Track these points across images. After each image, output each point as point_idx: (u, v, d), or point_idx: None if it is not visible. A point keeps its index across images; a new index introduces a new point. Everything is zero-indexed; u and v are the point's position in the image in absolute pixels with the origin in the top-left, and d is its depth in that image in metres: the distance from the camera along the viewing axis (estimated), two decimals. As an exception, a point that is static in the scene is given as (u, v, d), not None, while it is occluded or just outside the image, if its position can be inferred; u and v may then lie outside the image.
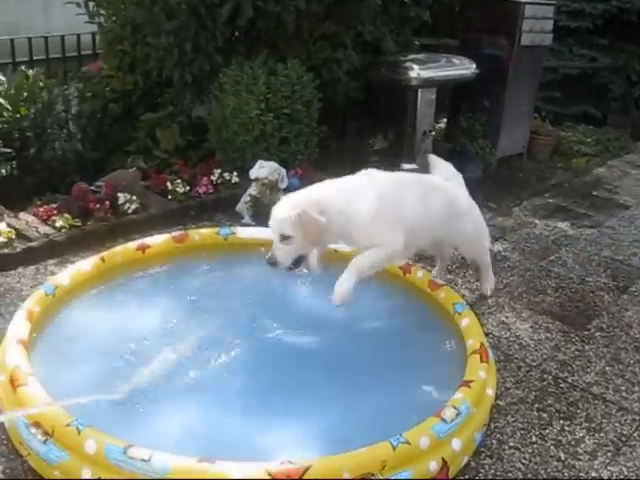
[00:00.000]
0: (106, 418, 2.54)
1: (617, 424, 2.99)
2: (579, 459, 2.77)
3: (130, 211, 4.55)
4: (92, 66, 6.39)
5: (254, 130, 5.12)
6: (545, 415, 3.02)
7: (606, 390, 3.24)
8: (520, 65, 6.26)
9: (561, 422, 2.98)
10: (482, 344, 3.01)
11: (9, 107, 5.04)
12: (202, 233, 4.10)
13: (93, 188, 4.68)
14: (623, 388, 3.26)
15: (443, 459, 2.46)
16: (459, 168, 3.72)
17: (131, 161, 5.46)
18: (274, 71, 5.20)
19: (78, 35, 7.31)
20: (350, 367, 3.08)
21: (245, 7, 5.05)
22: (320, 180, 3.22)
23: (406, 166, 5.63)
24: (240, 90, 5.13)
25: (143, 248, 3.80)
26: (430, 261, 4.20)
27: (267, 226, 3.08)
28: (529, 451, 2.78)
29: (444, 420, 2.50)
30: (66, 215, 4.30)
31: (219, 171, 5.15)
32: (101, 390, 2.69)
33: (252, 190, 4.75)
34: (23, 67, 5.80)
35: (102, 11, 5.79)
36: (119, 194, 4.58)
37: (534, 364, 3.40)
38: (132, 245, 3.82)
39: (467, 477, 2.62)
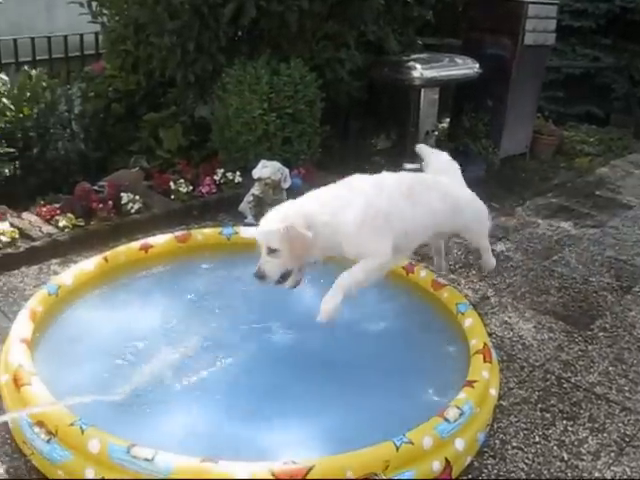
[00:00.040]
0: (109, 418, 2.55)
1: (620, 424, 2.99)
2: (582, 459, 2.76)
3: (133, 211, 4.56)
4: (95, 66, 6.39)
5: (257, 130, 5.13)
6: (548, 415, 3.01)
7: (609, 390, 3.23)
8: (523, 65, 6.26)
9: (564, 422, 2.98)
10: (485, 344, 3.01)
11: (12, 107, 5.04)
12: (205, 233, 4.10)
13: (96, 188, 4.70)
14: (626, 388, 3.26)
15: (446, 459, 2.47)
16: (462, 168, 3.69)
17: (134, 161, 5.47)
18: (277, 71, 5.20)
19: (81, 35, 7.35)
20: (352, 367, 3.08)
21: (248, 7, 5.06)
22: (323, 179, 3.21)
23: (409, 166, 5.59)
24: (243, 90, 5.13)
25: (146, 248, 3.80)
26: (433, 261, 4.18)
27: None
28: (532, 451, 2.78)
29: (447, 420, 2.50)
30: (69, 215, 4.31)
31: (222, 171, 5.16)
32: (104, 390, 2.70)
33: (255, 190, 4.75)
34: (26, 67, 5.80)
35: (105, 11, 5.80)
36: (122, 194, 4.59)
37: (537, 364, 3.40)
38: (135, 245, 3.83)
39: (470, 477, 2.62)
